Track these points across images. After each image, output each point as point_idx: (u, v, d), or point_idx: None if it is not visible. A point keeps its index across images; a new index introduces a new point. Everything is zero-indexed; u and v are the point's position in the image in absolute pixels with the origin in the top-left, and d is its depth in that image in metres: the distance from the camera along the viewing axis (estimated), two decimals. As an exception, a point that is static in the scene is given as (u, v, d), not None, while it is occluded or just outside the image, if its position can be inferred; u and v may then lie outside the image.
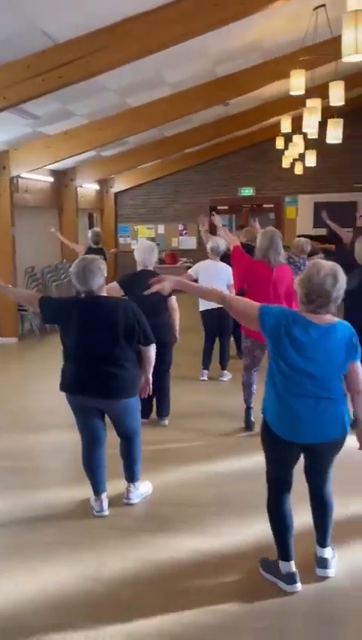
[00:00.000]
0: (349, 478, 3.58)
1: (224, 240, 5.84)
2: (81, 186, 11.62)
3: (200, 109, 8.03)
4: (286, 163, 11.24)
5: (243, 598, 2.71)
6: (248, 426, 4.73)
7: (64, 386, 3.36)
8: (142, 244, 4.87)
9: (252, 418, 4.73)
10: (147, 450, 3.91)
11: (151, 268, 4.64)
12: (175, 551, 3.09)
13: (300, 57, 6.49)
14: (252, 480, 3.65)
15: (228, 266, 5.85)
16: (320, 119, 6.59)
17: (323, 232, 12.27)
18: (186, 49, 5.85)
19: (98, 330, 3.23)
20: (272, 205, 13.95)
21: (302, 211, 13.59)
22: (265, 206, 14.05)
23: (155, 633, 2.50)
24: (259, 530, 3.13)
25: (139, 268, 4.72)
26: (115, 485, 3.63)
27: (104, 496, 3.49)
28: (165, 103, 7.71)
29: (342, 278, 2.56)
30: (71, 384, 3.35)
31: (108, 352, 3.27)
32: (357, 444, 2.72)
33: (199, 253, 13.32)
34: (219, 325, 6.11)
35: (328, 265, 2.58)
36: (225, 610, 2.64)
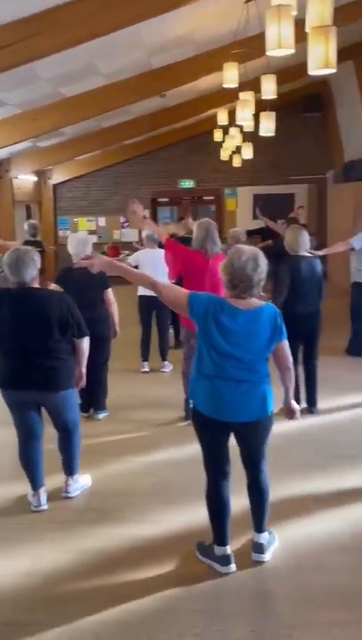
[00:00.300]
0: (285, 461, 3.71)
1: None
2: (16, 178, 11.33)
3: (136, 100, 8.00)
4: (224, 155, 11.37)
5: (181, 582, 2.77)
6: (187, 415, 4.80)
7: None
8: (75, 237, 4.83)
9: (192, 407, 4.79)
10: (86, 443, 3.90)
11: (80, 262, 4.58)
12: (115, 540, 3.12)
13: (233, 50, 6.57)
14: (191, 468, 3.69)
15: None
16: (254, 112, 6.71)
17: (262, 224, 12.53)
18: (120, 39, 5.81)
19: (31, 322, 3.20)
20: (212, 197, 14.10)
21: (241, 203, 13.79)
22: (205, 198, 14.18)
23: (97, 621, 2.52)
24: (197, 515, 3.20)
25: (74, 261, 4.68)
26: (53, 480, 3.61)
27: (42, 491, 3.47)
28: (100, 94, 7.63)
29: (263, 262, 2.66)
30: (5, 379, 3.30)
31: (42, 345, 3.24)
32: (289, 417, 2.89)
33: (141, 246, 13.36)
34: (153, 313, 6.15)
35: (248, 249, 2.67)
36: (165, 594, 2.69)
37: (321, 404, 4.96)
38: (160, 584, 2.75)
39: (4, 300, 3.23)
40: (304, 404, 4.81)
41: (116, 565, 2.91)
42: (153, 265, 5.58)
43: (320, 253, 5.80)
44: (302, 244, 4.73)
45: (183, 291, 2.80)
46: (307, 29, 3.29)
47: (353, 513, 3.31)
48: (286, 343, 2.79)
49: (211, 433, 2.78)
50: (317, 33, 3.20)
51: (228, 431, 2.79)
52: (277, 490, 2.99)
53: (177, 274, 4.71)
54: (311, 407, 4.88)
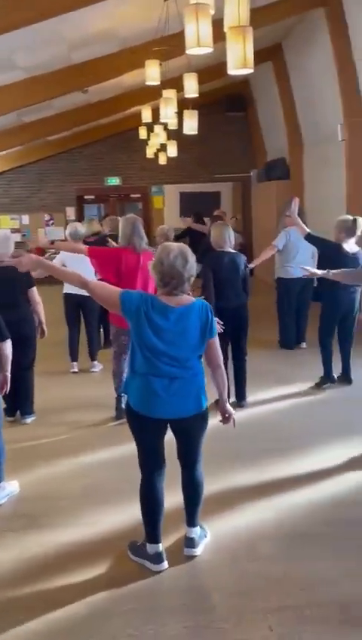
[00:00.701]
0: (214, 455, 3.76)
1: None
2: None
3: (57, 95, 7.83)
4: (149, 153, 11.36)
5: (113, 583, 2.74)
6: (118, 414, 4.76)
7: None
8: (-5, 235, 4.65)
9: (123, 406, 4.75)
10: (13, 448, 3.79)
11: (6, 260, 4.43)
12: (44, 546, 3.04)
13: (154, 48, 6.56)
14: (123, 467, 3.68)
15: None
16: (177, 110, 6.73)
17: (190, 222, 12.63)
18: (39, 32, 5.66)
19: None
20: (139, 195, 14.05)
21: (168, 201, 13.84)
22: (132, 196, 14.11)
23: (28, 631, 2.45)
24: (129, 515, 3.18)
25: None
26: (-23, 489, 3.47)
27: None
28: (19, 88, 7.38)
29: (192, 258, 2.68)
30: None
31: None
32: (221, 419, 2.91)
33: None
34: (80, 312, 6.06)
35: (176, 246, 2.68)
36: (97, 598, 2.65)
37: (251, 397, 5.08)
38: (92, 588, 2.71)
39: None
40: (233, 399, 4.90)
41: (46, 572, 2.84)
42: (78, 264, 5.47)
43: (252, 265, 5.97)
44: (227, 239, 4.81)
45: (115, 289, 2.77)
46: (225, 29, 3.33)
47: (282, 503, 3.41)
48: (216, 340, 2.82)
49: (146, 431, 2.77)
50: (235, 33, 3.25)
51: (163, 428, 2.79)
52: (208, 484, 3.01)
53: (113, 276, 4.57)
54: (240, 402, 4.97)
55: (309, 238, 5.34)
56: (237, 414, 4.64)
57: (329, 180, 9.26)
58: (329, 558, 2.87)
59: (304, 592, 2.62)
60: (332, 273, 4.09)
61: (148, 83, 6.18)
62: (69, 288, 5.89)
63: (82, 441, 4.38)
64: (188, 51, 3.46)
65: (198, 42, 3.35)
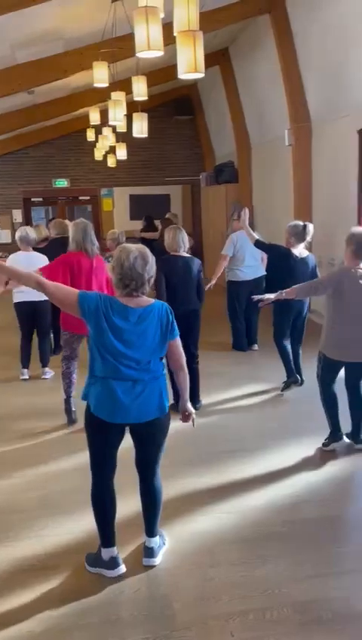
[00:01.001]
0: (169, 460, 3.74)
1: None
2: None
3: (1, 95, 7.62)
4: (98, 155, 11.25)
5: (70, 597, 2.67)
6: (70, 418, 4.67)
7: None
8: None
9: (73, 407, 4.67)
10: None
11: None
12: (-3, 563, 2.93)
13: (102, 49, 6.50)
14: (77, 476, 3.61)
15: (43, 256, 5.71)
16: (126, 113, 6.69)
17: (140, 225, 12.58)
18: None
19: None
20: (88, 197, 13.88)
21: (118, 204, 13.74)
22: (81, 198, 13.92)
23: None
24: (86, 525, 3.11)
25: None
26: None
27: None
28: None
29: (152, 259, 2.67)
30: None
31: None
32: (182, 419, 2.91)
33: (14, 247, 12.72)
34: (34, 319, 5.92)
35: (135, 248, 2.65)
36: (53, 614, 2.57)
37: (205, 399, 5.08)
38: (48, 603, 2.63)
39: None
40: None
41: None
42: (26, 268, 5.34)
43: (213, 282, 6.04)
44: (181, 243, 4.80)
45: (73, 290, 2.72)
46: (175, 33, 3.32)
47: (240, 505, 3.42)
48: (178, 341, 2.80)
49: (105, 436, 2.72)
50: (185, 37, 3.24)
51: (123, 433, 2.74)
52: (165, 489, 2.98)
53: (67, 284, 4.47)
54: (194, 404, 4.95)
55: (258, 244, 5.42)
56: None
57: (277, 184, 9.43)
58: (289, 559, 2.90)
59: (265, 595, 2.63)
60: (285, 292, 4.17)
61: (97, 85, 6.12)
62: (19, 297, 5.75)
63: (36, 451, 4.27)
64: (139, 54, 3.43)
65: (149, 45, 3.32)
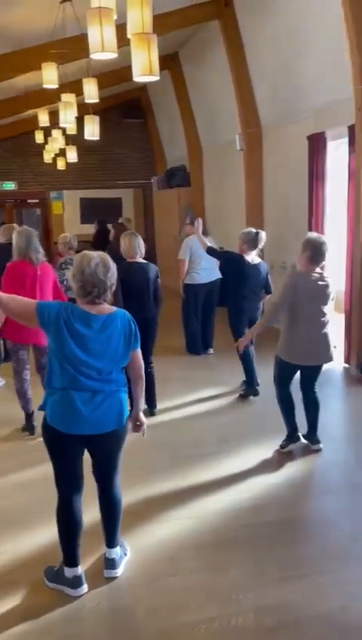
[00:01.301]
0: (125, 468, 3.68)
1: None
2: None
3: None
4: (47, 158, 11.04)
5: (30, 614, 2.57)
6: (30, 430, 4.54)
7: None
8: None
9: (34, 423, 4.54)
10: None
11: None
12: None
13: (51, 50, 6.38)
14: (37, 488, 3.51)
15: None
16: (76, 115, 6.59)
17: (91, 229, 12.42)
18: None
19: None
20: (37, 200, 13.60)
21: (68, 207, 13.53)
22: (29, 201, 13.63)
23: None
24: (46, 538, 3.02)
25: None
26: None
27: None
28: None
29: (113, 266, 2.62)
30: None
31: None
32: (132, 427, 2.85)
33: None
34: None
35: (97, 254, 2.60)
36: (10, 633, 2.47)
37: (161, 404, 5.05)
38: (5, 621, 2.53)
39: None
40: (144, 406, 4.84)
41: None
42: None
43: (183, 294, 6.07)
44: (138, 249, 4.74)
45: (30, 300, 2.63)
46: (129, 35, 3.29)
47: (200, 510, 3.40)
48: (139, 351, 2.76)
49: (65, 448, 2.63)
50: (139, 39, 3.21)
51: (83, 444, 2.66)
52: (125, 497, 2.93)
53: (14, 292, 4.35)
54: (151, 410, 4.93)
55: (210, 252, 5.46)
56: (149, 421, 4.61)
57: (229, 188, 9.53)
58: (250, 563, 2.90)
59: (228, 602, 2.62)
60: (255, 331, 4.39)
61: (46, 86, 6.00)
62: None
63: (-12, 463, 4.12)
64: (92, 56, 3.37)
65: (102, 47, 3.27)
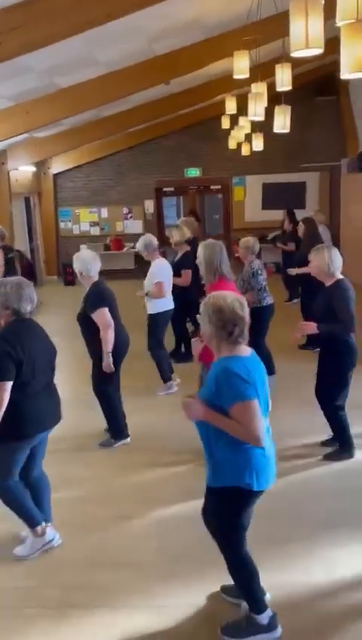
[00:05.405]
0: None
1: None
2: (16, 169, 10.79)
3: (137, 90, 7.41)
4: (232, 144, 10.73)
5: None
6: None
7: None
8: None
9: None
10: None
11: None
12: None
13: (244, 36, 5.95)
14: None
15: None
16: (266, 105, 6.10)
17: (272, 215, 11.86)
18: (118, 26, 5.23)
19: None
20: (219, 187, 13.45)
21: (250, 193, 13.16)
22: (212, 187, 13.53)
23: None
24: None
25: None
26: None
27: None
28: (99, 84, 7.04)
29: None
30: None
31: None
32: None
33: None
34: None
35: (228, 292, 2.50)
36: None
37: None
38: None
39: None
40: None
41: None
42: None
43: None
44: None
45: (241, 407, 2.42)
46: (339, 23, 2.72)
47: None
48: None
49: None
50: (352, 30, 2.64)
51: None
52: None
53: None
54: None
55: None
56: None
57: None
58: None
59: None
60: None
61: (236, 76, 5.60)
62: None
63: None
64: (294, 54, 2.88)
65: (307, 43, 2.76)
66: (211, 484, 2.50)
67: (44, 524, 3.15)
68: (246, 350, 2.44)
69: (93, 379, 4.35)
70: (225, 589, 2.79)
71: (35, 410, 2.93)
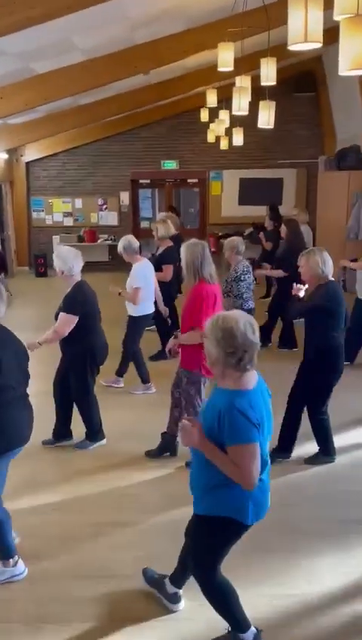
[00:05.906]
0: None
1: None
2: (-14, 157, 10.46)
3: (117, 79, 7.19)
4: (211, 138, 10.60)
5: None
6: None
7: None
8: None
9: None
10: None
11: None
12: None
13: (228, 27, 5.80)
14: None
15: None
16: (250, 99, 5.99)
17: (249, 210, 11.83)
18: (99, 12, 5.03)
19: None
20: (196, 180, 13.30)
21: (227, 187, 13.05)
22: (189, 181, 13.37)
23: None
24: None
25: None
26: None
27: None
28: (77, 71, 6.81)
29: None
30: None
31: None
32: None
33: (120, 230, 12.52)
34: None
35: (239, 313, 2.21)
36: None
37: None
38: None
39: None
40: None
41: None
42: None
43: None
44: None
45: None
46: (337, 17, 2.61)
47: None
48: None
49: None
50: (352, 24, 2.53)
51: None
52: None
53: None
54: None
55: None
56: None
57: None
58: None
59: None
60: None
61: (221, 69, 5.47)
62: None
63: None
64: (291, 47, 2.76)
65: (306, 37, 2.64)
66: (200, 511, 2.32)
67: (16, 557, 2.98)
68: (253, 378, 2.22)
69: (71, 381, 4.18)
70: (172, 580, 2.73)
71: (12, 421, 2.75)
